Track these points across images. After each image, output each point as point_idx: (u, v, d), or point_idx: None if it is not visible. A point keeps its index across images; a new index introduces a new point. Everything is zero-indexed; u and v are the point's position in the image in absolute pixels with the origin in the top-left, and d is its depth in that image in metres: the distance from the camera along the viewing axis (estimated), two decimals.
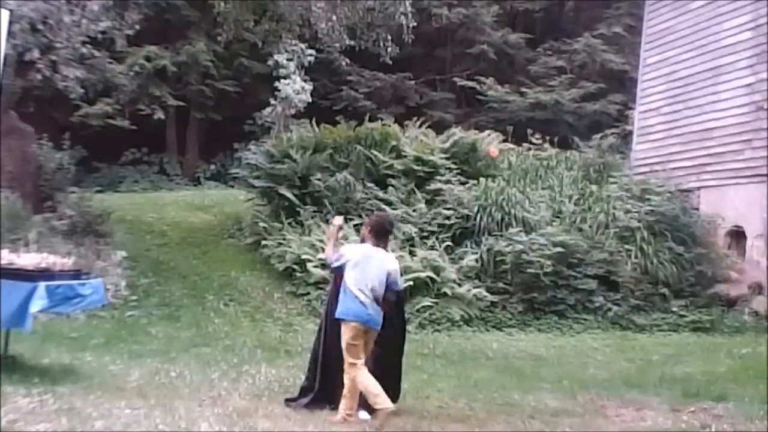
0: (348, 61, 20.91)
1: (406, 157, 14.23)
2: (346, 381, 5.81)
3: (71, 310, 7.84)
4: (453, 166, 14.22)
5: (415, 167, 14.05)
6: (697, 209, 14.43)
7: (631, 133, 17.43)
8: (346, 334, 5.82)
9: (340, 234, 6.60)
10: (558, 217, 13.81)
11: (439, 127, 16.94)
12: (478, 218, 12.88)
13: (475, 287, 11.95)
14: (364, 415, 5.92)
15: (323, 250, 12.11)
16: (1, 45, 6.54)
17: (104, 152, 22.27)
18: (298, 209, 13.61)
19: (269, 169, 14.19)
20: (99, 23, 13.01)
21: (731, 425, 6.22)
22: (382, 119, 16.61)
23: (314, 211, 13.51)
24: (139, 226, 14.96)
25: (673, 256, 12.90)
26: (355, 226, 12.93)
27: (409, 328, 11.05)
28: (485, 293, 11.98)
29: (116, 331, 9.55)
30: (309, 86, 20.60)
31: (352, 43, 16.51)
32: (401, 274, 6.72)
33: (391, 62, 17.80)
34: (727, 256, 13.65)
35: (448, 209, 13.07)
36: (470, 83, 24.55)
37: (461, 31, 25.82)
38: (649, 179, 14.65)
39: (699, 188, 14.76)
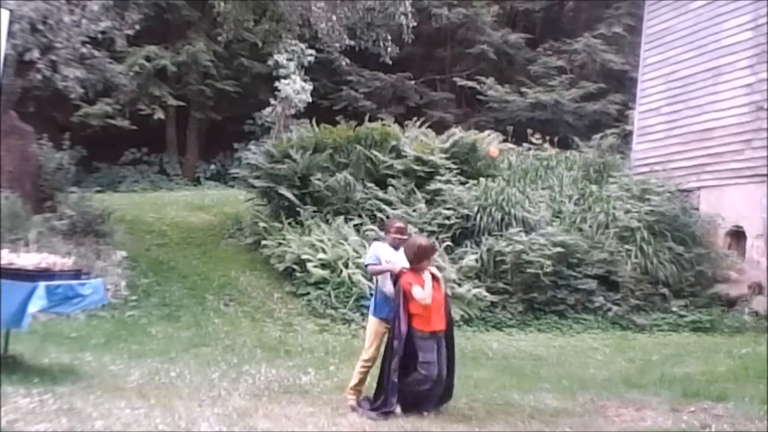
0: (348, 61, 20.94)
1: (406, 157, 14.22)
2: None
3: (71, 310, 7.83)
4: (453, 166, 14.21)
5: (415, 167, 14.04)
6: (697, 209, 14.43)
7: (631, 133, 17.43)
8: None
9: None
10: (558, 217, 13.82)
11: (439, 127, 16.94)
12: (478, 218, 12.87)
13: (475, 287, 11.94)
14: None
15: (323, 250, 12.26)
16: (1, 45, 6.54)
17: (104, 152, 22.30)
18: (298, 209, 13.60)
19: (269, 169, 14.19)
20: (99, 23, 13.02)
21: (731, 425, 6.22)
22: (382, 119, 16.61)
23: (314, 211, 13.51)
24: (139, 226, 14.96)
25: (673, 256, 12.90)
26: (355, 226, 12.96)
27: None
28: (485, 293, 11.97)
29: (116, 331, 9.54)
30: (309, 86, 20.62)
31: (352, 43, 16.53)
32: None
33: (391, 62, 17.82)
34: (727, 256, 13.65)
35: (448, 209, 13.06)
36: (470, 83, 24.57)
37: (461, 31, 25.84)
38: (649, 179, 14.64)
39: (699, 188, 14.76)
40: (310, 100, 20.64)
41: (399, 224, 6.71)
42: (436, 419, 6.09)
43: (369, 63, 23.07)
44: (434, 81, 26.35)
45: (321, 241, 12.44)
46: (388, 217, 13.08)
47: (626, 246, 12.94)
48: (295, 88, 20.08)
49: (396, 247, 6.50)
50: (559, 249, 12.32)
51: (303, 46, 20.15)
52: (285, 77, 20.26)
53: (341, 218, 13.19)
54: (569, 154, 17.56)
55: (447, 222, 12.91)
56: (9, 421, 4.95)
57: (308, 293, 11.93)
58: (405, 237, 6.66)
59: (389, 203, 13.46)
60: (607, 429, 6.16)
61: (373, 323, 6.47)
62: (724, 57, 14.32)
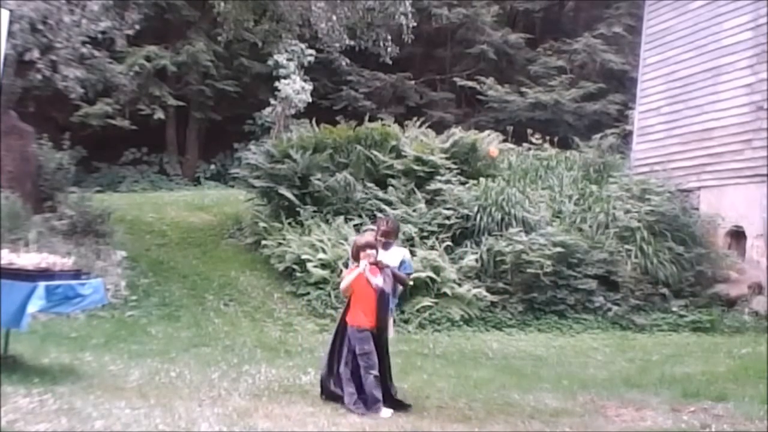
0: (348, 61, 20.96)
1: (406, 157, 14.22)
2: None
3: (71, 310, 7.81)
4: (453, 166, 14.20)
5: (415, 167, 14.04)
6: (697, 209, 14.44)
7: (631, 133, 17.45)
8: None
9: None
10: (558, 217, 13.82)
11: (439, 127, 16.94)
12: (478, 218, 12.87)
13: (475, 287, 11.95)
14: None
15: (323, 250, 12.26)
16: (1, 45, 6.54)
17: (104, 152, 22.31)
18: (298, 209, 13.60)
19: (269, 169, 14.19)
20: (99, 23, 13.01)
21: (731, 425, 6.21)
22: (382, 119, 16.61)
23: (314, 211, 13.51)
24: (139, 226, 14.97)
25: (673, 256, 12.90)
26: (355, 226, 12.95)
27: (409, 328, 11.13)
28: (485, 293, 11.97)
29: (116, 331, 9.54)
30: (309, 86, 20.64)
31: (352, 43, 16.53)
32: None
33: (391, 62, 17.82)
34: (727, 256, 13.65)
35: (448, 209, 13.06)
36: (470, 83, 24.58)
37: (461, 31, 25.85)
38: (649, 179, 14.65)
39: (699, 188, 14.77)
40: (310, 100, 20.65)
41: (384, 227, 6.88)
42: (436, 419, 6.09)
43: (369, 63, 23.07)
44: (434, 81, 26.36)
45: (321, 241, 12.44)
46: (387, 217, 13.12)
47: (626, 246, 12.94)
48: (295, 88, 20.10)
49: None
50: (559, 249, 12.32)
51: (303, 46, 20.17)
52: (285, 77, 20.28)
53: (341, 218, 13.19)
54: (569, 154, 17.56)
55: (447, 222, 12.91)
56: (9, 421, 4.94)
57: (308, 293, 11.93)
58: (390, 239, 6.82)
59: (389, 203, 13.46)
60: (607, 429, 6.16)
61: None
62: (724, 57, 14.33)
